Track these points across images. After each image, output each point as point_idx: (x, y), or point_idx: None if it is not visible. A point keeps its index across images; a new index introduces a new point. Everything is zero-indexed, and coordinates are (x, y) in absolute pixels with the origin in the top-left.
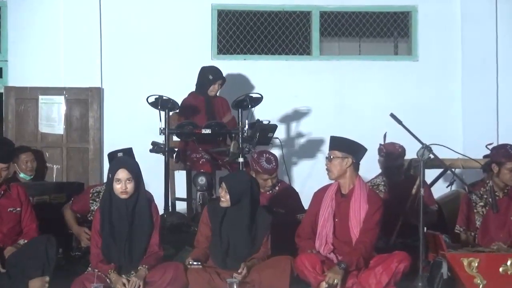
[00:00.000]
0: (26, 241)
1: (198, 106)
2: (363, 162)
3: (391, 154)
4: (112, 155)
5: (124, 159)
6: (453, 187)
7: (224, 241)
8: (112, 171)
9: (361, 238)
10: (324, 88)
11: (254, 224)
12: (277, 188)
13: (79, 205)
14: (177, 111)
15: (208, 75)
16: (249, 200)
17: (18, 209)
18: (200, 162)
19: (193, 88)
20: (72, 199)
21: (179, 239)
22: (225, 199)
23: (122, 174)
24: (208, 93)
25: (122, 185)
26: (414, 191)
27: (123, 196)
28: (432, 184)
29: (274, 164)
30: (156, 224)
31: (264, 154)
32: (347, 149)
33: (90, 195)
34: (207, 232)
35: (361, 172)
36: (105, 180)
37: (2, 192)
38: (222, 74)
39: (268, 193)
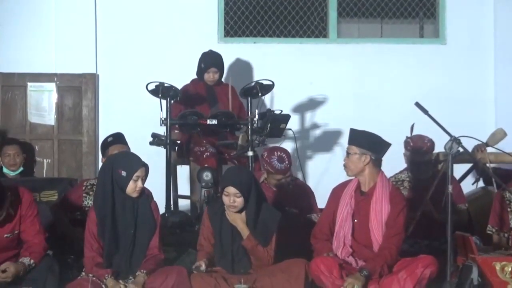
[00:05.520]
0: (32, 261)
1: (199, 94)
2: (386, 156)
3: (418, 149)
4: (105, 144)
5: (133, 153)
6: (482, 184)
7: (228, 244)
8: (131, 169)
9: (386, 243)
10: (342, 74)
11: (259, 221)
12: (290, 186)
13: (71, 200)
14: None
15: (201, 63)
16: (255, 195)
17: (17, 231)
18: (204, 156)
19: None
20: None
21: (182, 240)
22: (237, 204)
23: (141, 172)
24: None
25: (140, 183)
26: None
27: (136, 195)
28: (461, 180)
29: (287, 162)
30: (157, 223)
31: (276, 152)
32: (367, 144)
33: (84, 188)
34: (209, 235)
35: (384, 166)
36: None
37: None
38: (215, 60)
39: (274, 189)
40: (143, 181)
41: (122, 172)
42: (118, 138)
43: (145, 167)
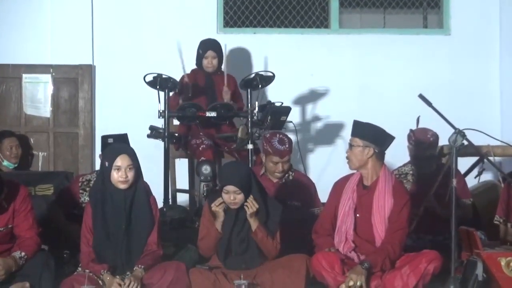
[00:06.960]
0: (23, 253)
1: (198, 84)
2: (389, 148)
3: (421, 143)
4: (105, 139)
5: (122, 144)
6: (488, 177)
7: (228, 238)
8: (111, 158)
9: (389, 238)
10: (344, 65)
11: (264, 213)
12: (291, 178)
13: (68, 197)
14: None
15: (199, 50)
16: (257, 187)
17: (10, 226)
18: (200, 148)
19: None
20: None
21: (181, 236)
22: (237, 201)
23: (122, 161)
24: (205, 70)
25: (122, 173)
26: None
27: (123, 186)
28: (466, 174)
29: (287, 146)
30: (155, 219)
31: (278, 135)
32: (370, 137)
33: (80, 184)
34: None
35: (387, 158)
36: (97, 168)
37: None
38: (213, 44)
39: (275, 181)
40: (127, 171)
41: (106, 162)
42: (119, 141)
43: (128, 154)
